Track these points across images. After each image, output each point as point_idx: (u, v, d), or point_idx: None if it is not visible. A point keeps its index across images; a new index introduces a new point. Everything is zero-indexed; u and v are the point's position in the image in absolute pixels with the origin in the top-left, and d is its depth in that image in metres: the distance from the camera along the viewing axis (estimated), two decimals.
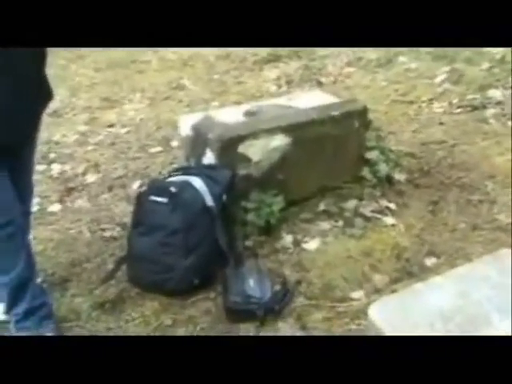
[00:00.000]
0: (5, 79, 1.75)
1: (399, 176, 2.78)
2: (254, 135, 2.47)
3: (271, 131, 2.50)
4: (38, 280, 2.30)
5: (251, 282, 2.13)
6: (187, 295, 2.20)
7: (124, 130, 3.79)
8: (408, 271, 2.27)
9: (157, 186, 2.32)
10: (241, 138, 2.45)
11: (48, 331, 2.01)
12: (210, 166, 2.43)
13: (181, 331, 2.06)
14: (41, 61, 1.93)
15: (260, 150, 2.48)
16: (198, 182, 2.28)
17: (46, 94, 2.00)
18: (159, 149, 3.48)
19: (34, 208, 2.80)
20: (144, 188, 2.49)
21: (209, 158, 2.47)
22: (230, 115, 2.65)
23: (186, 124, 2.68)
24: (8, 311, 2.04)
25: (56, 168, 3.32)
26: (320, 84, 4.09)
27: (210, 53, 5.04)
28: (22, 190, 2.05)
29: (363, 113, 2.69)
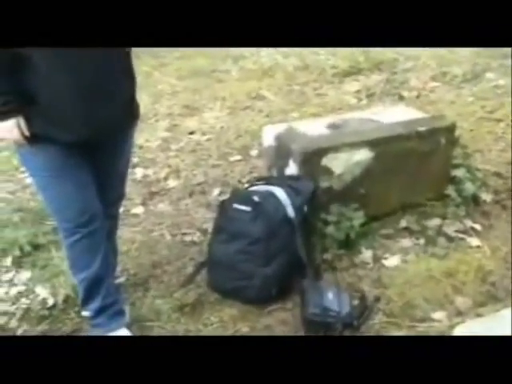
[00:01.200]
0: (86, 69, 1.78)
1: (485, 196, 2.70)
2: (337, 148, 2.47)
3: (355, 145, 2.49)
4: (121, 279, 2.40)
5: (329, 295, 2.12)
6: (264, 304, 2.22)
7: (204, 138, 3.87)
8: (493, 295, 2.19)
9: (240, 195, 2.36)
10: (324, 151, 2.46)
11: (118, 327, 2.08)
12: (292, 177, 2.45)
13: None
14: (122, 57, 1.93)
15: (343, 164, 2.47)
16: (280, 193, 2.30)
17: (125, 94, 1.97)
18: (238, 157, 3.53)
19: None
20: (226, 196, 2.54)
21: (291, 169, 2.49)
22: (314, 127, 2.66)
23: (269, 134, 2.71)
24: (82, 307, 2.14)
25: (139, 172, 3.44)
26: (402, 98, 4.03)
27: (289, 63, 5.08)
28: (108, 192, 2.12)
29: (451, 129, 2.63)
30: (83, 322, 2.20)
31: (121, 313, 2.13)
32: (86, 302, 2.10)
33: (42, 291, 2.41)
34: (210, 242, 2.37)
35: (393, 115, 2.77)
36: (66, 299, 2.32)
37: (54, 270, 2.52)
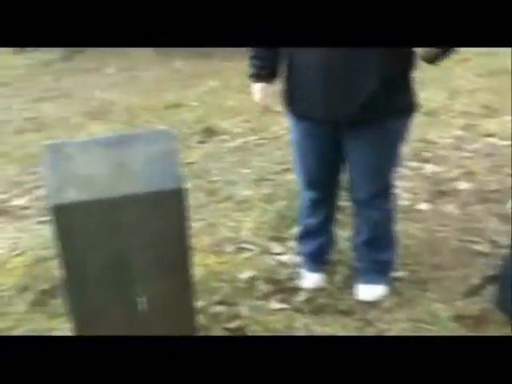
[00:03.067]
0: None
1: None
2: None
3: None
4: (399, 273, 2.35)
5: None
6: None
7: (503, 143, 3.56)
8: None
9: None
10: None
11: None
12: None
13: None
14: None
15: None
16: None
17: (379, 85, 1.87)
18: None
19: (404, 202, 2.86)
20: None
21: None
22: None
23: None
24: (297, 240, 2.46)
25: (428, 168, 3.32)
26: None
27: None
28: (367, 182, 2.11)
29: None
30: (353, 304, 2.23)
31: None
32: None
33: None
34: (507, 258, 2.16)
35: None
36: (345, 280, 2.37)
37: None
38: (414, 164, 3.33)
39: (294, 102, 2.02)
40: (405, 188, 3.04)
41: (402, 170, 2.77)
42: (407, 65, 1.92)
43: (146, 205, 1.51)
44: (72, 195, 1.47)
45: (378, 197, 2.16)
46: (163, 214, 1.52)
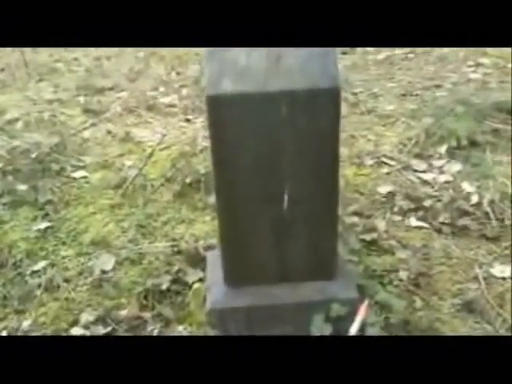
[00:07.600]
0: None
1: None
2: None
3: None
4: None
5: None
6: None
7: None
8: None
9: None
10: None
11: None
12: None
13: None
14: None
15: None
16: None
17: None
18: None
19: None
20: None
21: None
22: None
23: None
24: None
25: None
26: None
27: None
28: None
29: None
30: (502, 230, 2.08)
31: None
32: None
33: (467, 187, 2.37)
34: None
35: None
36: (491, 202, 2.22)
37: (484, 172, 2.44)
38: None
39: None
40: None
41: None
42: None
43: (300, 102, 1.47)
44: (228, 86, 1.47)
45: None
46: (317, 112, 1.48)
